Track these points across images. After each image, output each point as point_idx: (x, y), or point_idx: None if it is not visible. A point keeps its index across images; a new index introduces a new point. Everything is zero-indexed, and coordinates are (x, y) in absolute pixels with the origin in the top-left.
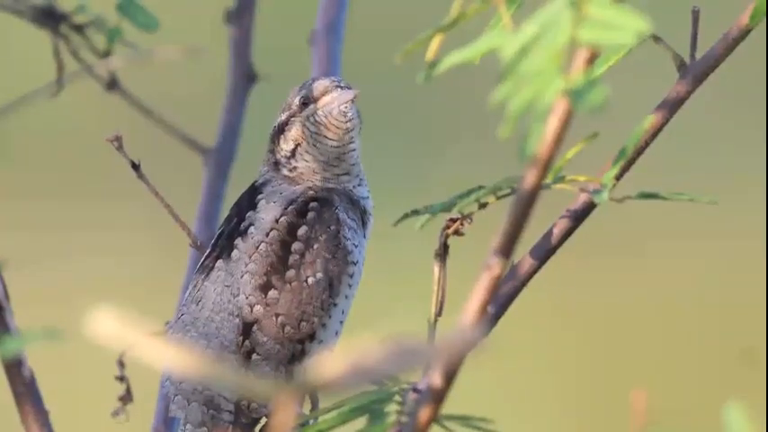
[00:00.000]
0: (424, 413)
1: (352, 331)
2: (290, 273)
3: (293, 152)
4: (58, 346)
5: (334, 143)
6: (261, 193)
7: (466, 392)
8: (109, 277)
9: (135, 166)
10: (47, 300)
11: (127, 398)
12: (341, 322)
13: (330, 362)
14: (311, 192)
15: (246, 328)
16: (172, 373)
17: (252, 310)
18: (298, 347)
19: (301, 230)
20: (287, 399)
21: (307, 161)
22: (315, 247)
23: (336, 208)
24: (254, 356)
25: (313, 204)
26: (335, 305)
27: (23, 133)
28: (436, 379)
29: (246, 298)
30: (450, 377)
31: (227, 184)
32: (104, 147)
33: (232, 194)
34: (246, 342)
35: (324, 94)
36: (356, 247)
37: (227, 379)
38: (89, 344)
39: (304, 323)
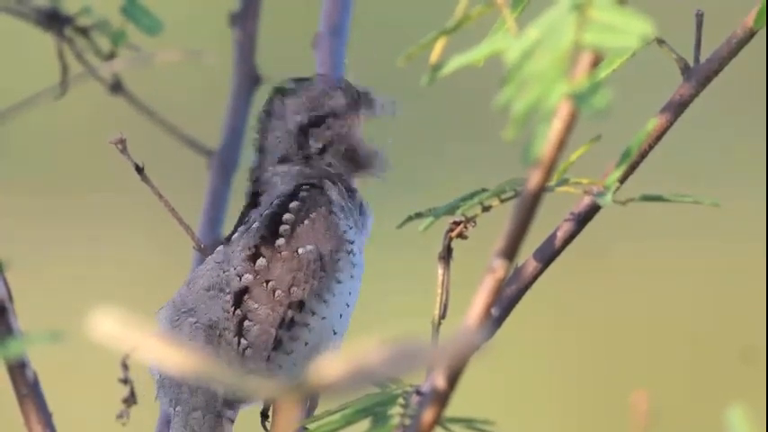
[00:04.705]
0: (428, 415)
1: (355, 333)
2: (280, 241)
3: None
4: (62, 348)
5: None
6: (260, 194)
7: (468, 394)
8: (111, 279)
9: (139, 169)
10: (48, 301)
11: (131, 400)
12: (347, 305)
13: (332, 364)
14: (303, 179)
15: (238, 297)
16: (158, 366)
17: (240, 280)
18: (288, 313)
19: (293, 204)
20: (290, 400)
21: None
22: (305, 222)
23: (327, 189)
24: (246, 323)
25: (305, 187)
26: (339, 282)
27: (27, 135)
28: (439, 381)
29: (235, 269)
30: (453, 379)
31: (231, 186)
32: (108, 149)
33: (236, 197)
34: (238, 311)
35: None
36: (350, 228)
37: (222, 377)
38: (92, 345)
39: (295, 288)
